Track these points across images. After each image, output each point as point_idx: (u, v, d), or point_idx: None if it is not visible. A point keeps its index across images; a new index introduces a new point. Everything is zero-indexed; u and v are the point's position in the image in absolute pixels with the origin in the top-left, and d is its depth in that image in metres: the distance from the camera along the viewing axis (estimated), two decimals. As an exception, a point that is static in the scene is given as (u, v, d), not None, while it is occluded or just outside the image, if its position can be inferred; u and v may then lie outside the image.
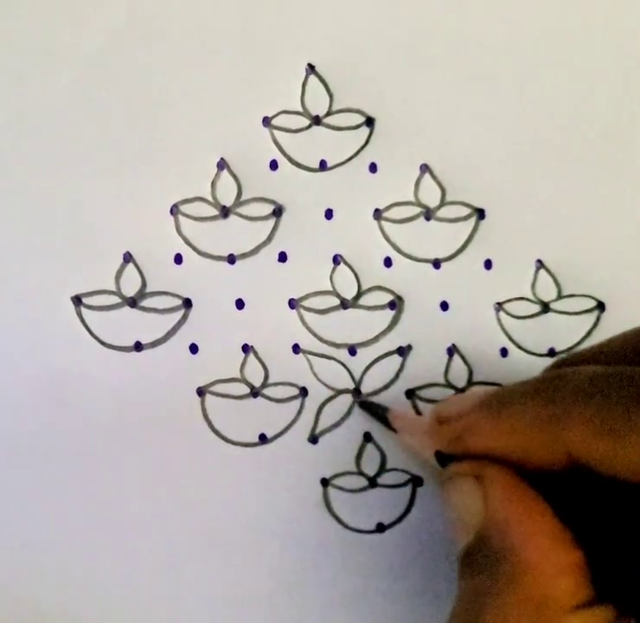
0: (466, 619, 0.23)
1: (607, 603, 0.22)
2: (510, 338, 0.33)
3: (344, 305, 0.33)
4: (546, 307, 0.33)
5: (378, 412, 0.32)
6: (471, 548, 0.23)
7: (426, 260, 0.33)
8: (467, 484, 0.24)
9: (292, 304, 0.33)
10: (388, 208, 0.33)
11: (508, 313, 0.33)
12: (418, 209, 0.33)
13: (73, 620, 0.32)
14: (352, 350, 0.33)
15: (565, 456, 0.22)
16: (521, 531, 0.22)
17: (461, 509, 0.24)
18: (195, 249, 0.32)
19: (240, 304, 0.33)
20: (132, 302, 0.32)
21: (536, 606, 0.21)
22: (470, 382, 0.33)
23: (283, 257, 0.33)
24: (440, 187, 0.33)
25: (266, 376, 0.33)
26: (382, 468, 0.33)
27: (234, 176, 0.32)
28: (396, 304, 0.33)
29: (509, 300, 0.33)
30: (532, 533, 0.22)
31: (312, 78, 0.32)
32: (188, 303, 0.32)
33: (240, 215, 0.32)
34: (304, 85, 0.32)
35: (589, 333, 0.34)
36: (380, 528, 0.33)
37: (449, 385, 0.33)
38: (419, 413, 0.33)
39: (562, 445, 0.22)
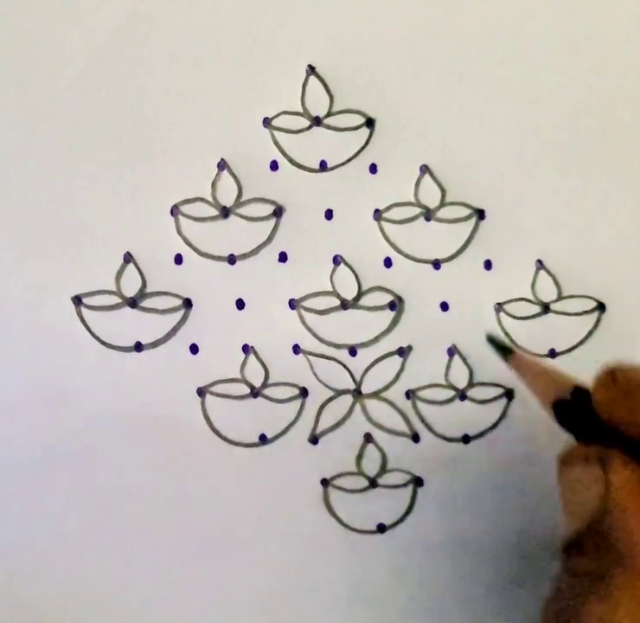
0: (567, 605, 0.23)
1: None
2: (511, 339, 0.33)
3: (344, 305, 0.33)
4: (546, 308, 0.33)
5: (501, 350, 0.31)
6: (582, 533, 0.23)
7: (426, 261, 0.33)
8: (591, 469, 0.24)
9: (292, 304, 0.33)
10: (388, 208, 0.33)
11: (508, 314, 0.33)
12: (418, 210, 0.33)
13: (73, 620, 0.32)
14: (352, 351, 0.33)
15: None
16: None
17: (578, 493, 0.24)
18: (195, 249, 0.32)
19: (240, 304, 0.33)
20: (133, 302, 0.32)
21: None
22: (471, 383, 0.33)
23: (283, 257, 0.33)
24: (440, 188, 0.33)
25: (267, 377, 0.33)
26: (383, 469, 0.33)
27: (235, 177, 0.32)
28: (396, 304, 0.33)
29: (510, 301, 0.33)
30: None
31: (313, 79, 0.32)
32: (188, 303, 0.32)
33: (241, 216, 0.33)
34: (304, 86, 0.32)
35: (589, 334, 0.34)
36: (381, 528, 0.33)
37: (449, 385, 0.33)
38: (422, 417, 0.33)
39: None
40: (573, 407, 0.26)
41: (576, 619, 0.22)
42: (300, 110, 0.33)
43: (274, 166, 0.33)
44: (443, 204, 0.33)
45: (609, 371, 0.25)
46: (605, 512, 0.23)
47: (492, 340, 0.31)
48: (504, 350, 0.31)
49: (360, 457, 0.33)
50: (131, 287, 0.32)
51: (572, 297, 0.34)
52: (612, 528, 0.22)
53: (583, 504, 0.24)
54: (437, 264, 0.33)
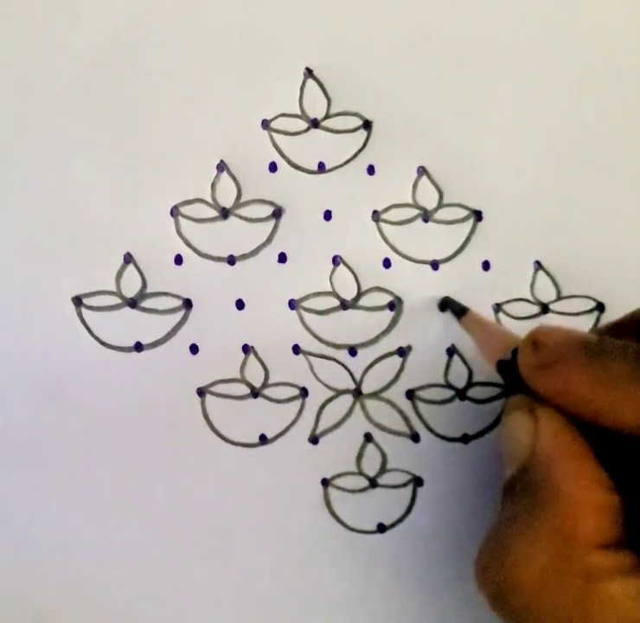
0: (497, 540, 0.24)
1: (631, 550, 0.22)
2: (510, 339, 0.33)
3: (344, 305, 0.33)
4: (545, 308, 0.34)
5: (455, 311, 0.32)
6: (515, 477, 0.24)
7: (425, 262, 0.33)
8: (522, 415, 0.25)
9: (292, 304, 0.33)
10: (386, 209, 0.33)
11: (507, 314, 0.33)
12: (415, 211, 0.33)
13: (73, 620, 0.32)
14: (352, 351, 0.33)
15: None
16: (565, 466, 0.23)
17: (513, 438, 0.25)
18: (195, 250, 0.33)
19: (240, 304, 0.33)
20: (133, 303, 0.32)
21: (565, 537, 0.22)
22: (470, 383, 0.33)
23: (282, 258, 0.33)
24: (437, 189, 0.33)
25: (267, 377, 0.33)
26: (383, 469, 0.33)
27: (234, 178, 0.33)
28: (395, 304, 0.33)
29: (508, 301, 0.33)
30: (574, 469, 0.23)
31: (310, 81, 0.33)
32: (188, 303, 0.33)
33: (240, 217, 0.33)
34: (302, 88, 0.33)
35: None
36: (381, 528, 0.33)
37: (449, 385, 0.33)
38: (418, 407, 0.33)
39: None
40: (513, 367, 0.27)
41: (501, 555, 0.23)
42: (298, 112, 0.33)
43: (273, 168, 0.33)
44: (440, 205, 0.33)
45: (531, 335, 0.26)
46: (534, 457, 0.24)
47: (447, 301, 0.33)
48: (459, 309, 0.32)
49: (360, 457, 0.33)
50: (131, 288, 0.32)
51: (571, 297, 0.34)
52: (538, 473, 0.23)
53: (516, 448, 0.25)
54: (435, 265, 0.33)
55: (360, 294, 0.33)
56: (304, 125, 0.33)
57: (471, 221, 0.33)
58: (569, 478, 0.23)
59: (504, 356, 0.28)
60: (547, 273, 0.33)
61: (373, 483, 0.33)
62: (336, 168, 0.33)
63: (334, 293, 0.33)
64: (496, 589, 0.23)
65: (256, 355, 0.33)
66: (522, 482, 0.24)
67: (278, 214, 0.33)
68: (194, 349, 0.32)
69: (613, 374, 0.23)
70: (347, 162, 0.33)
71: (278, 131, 0.33)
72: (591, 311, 0.34)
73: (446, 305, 0.33)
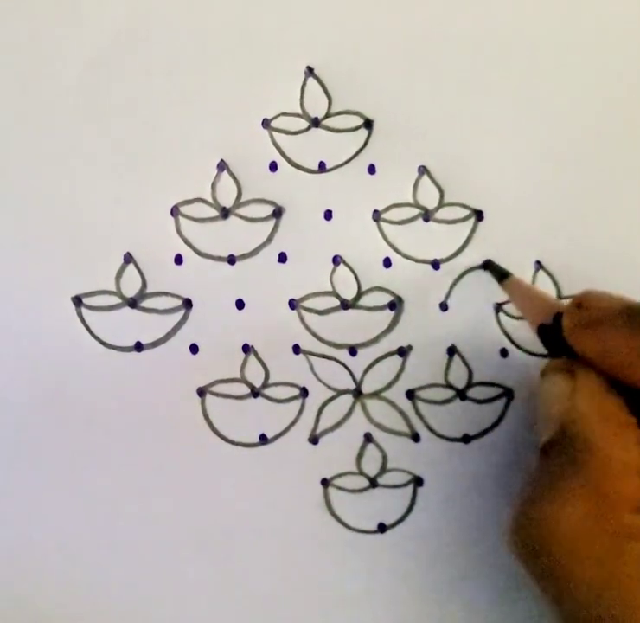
0: (533, 497, 0.24)
1: None
2: (510, 339, 0.33)
3: (344, 305, 0.33)
4: (545, 308, 0.34)
5: (497, 275, 0.32)
6: (554, 437, 0.25)
7: (425, 261, 0.33)
8: (560, 377, 0.25)
9: (292, 304, 0.33)
10: (387, 209, 0.33)
11: (507, 314, 0.33)
12: (416, 211, 0.33)
13: (73, 620, 0.32)
14: (352, 351, 0.33)
15: None
16: (604, 427, 0.24)
17: (550, 400, 0.25)
18: (195, 250, 0.33)
19: (240, 304, 0.33)
20: (133, 302, 0.32)
21: (601, 497, 0.23)
22: (471, 383, 0.33)
23: (283, 258, 0.33)
24: (438, 188, 0.33)
25: (267, 376, 0.33)
26: (383, 468, 0.33)
27: (234, 178, 0.33)
28: (396, 304, 0.33)
29: (509, 301, 0.33)
30: (613, 431, 0.23)
31: (311, 80, 0.33)
32: (188, 303, 0.32)
33: (240, 216, 0.33)
34: (303, 87, 0.33)
35: (589, 333, 0.34)
36: (381, 528, 0.33)
37: (449, 385, 0.33)
38: (418, 412, 0.33)
39: None
40: (555, 332, 0.27)
41: (536, 511, 0.24)
42: (299, 111, 0.33)
43: (273, 167, 0.33)
44: (441, 205, 0.33)
45: (576, 297, 0.27)
46: (570, 418, 0.24)
47: (489, 264, 0.33)
48: (501, 273, 0.32)
49: (360, 457, 0.33)
50: (131, 287, 0.32)
51: (571, 297, 0.33)
52: (575, 433, 0.24)
53: (554, 410, 0.25)
54: (436, 264, 0.33)
55: (360, 294, 0.33)
56: (304, 124, 0.33)
57: (472, 220, 0.33)
58: (607, 438, 0.23)
59: (546, 320, 0.28)
60: (548, 273, 0.33)
61: (373, 483, 0.33)
62: (336, 167, 0.33)
63: (334, 293, 0.33)
64: (529, 545, 0.24)
65: (256, 355, 0.33)
66: (560, 441, 0.24)
67: (278, 213, 0.33)
68: (194, 349, 0.32)
69: None
70: (347, 161, 0.33)
71: (278, 131, 0.33)
72: (591, 310, 0.34)
73: (488, 267, 0.33)
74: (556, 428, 0.25)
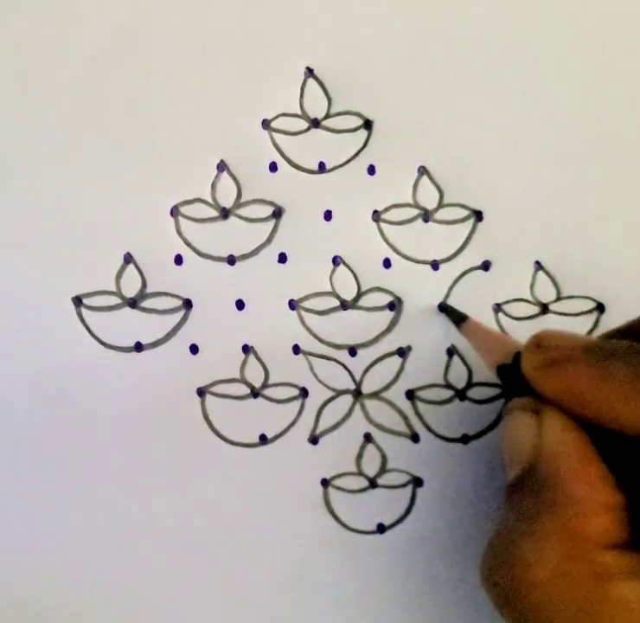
0: (503, 541, 0.24)
1: (638, 551, 0.22)
2: (510, 339, 0.33)
3: (344, 305, 0.33)
4: (545, 308, 0.34)
5: (454, 318, 0.33)
6: (520, 477, 0.24)
7: (425, 262, 0.33)
8: (526, 416, 0.25)
9: (292, 304, 0.33)
10: (387, 209, 0.33)
11: (507, 314, 0.33)
12: (416, 211, 0.33)
13: (73, 620, 0.32)
14: (352, 351, 0.33)
15: None
16: (571, 465, 0.23)
17: (516, 439, 0.25)
18: (195, 250, 0.33)
19: (240, 304, 0.33)
20: (133, 303, 0.32)
21: (573, 537, 0.22)
22: (470, 383, 0.33)
23: (283, 258, 0.33)
24: (438, 189, 0.33)
25: (267, 377, 0.33)
26: (382, 469, 0.33)
27: (234, 178, 0.33)
28: (395, 304, 0.33)
29: (508, 301, 0.33)
30: (581, 469, 0.23)
31: (311, 81, 0.33)
32: (188, 303, 0.33)
33: (240, 217, 0.33)
34: (302, 88, 0.33)
35: (588, 334, 0.34)
36: (381, 528, 0.33)
37: (449, 385, 0.33)
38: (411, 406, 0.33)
39: None
40: (515, 372, 0.27)
41: (508, 556, 0.23)
42: (299, 112, 0.33)
43: (273, 167, 0.33)
44: (441, 205, 0.33)
45: (535, 338, 0.26)
46: (539, 457, 0.24)
47: (444, 308, 0.33)
48: (458, 316, 0.32)
49: (360, 457, 0.33)
50: (131, 287, 0.32)
51: (571, 297, 0.34)
52: (544, 473, 0.23)
53: (520, 449, 0.25)
54: (435, 265, 0.33)
55: (360, 294, 0.33)
56: (304, 124, 0.33)
57: (472, 221, 0.33)
58: (576, 477, 0.23)
59: (505, 360, 0.28)
60: (547, 273, 0.33)
61: (372, 483, 0.33)
62: (336, 168, 0.33)
63: (334, 293, 0.33)
64: (503, 591, 0.23)
65: (256, 355, 0.33)
66: (527, 483, 0.24)
67: (278, 214, 0.33)
68: (194, 349, 0.32)
69: (616, 374, 0.23)
70: (347, 162, 0.33)
71: (278, 131, 0.33)
72: (591, 311, 0.34)
73: (445, 310, 0.33)
74: (523, 468, 0.24)
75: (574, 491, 0.23)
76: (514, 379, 0.27)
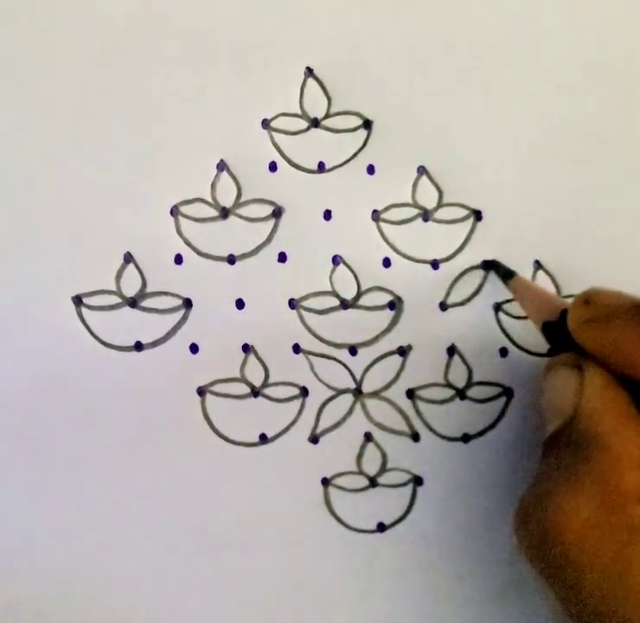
0: (539, 491, 0.24)
1: None
2: (510, 338, 0.33)
3: (344, 305, 0.33)
4: (545, 308, 0.34)
5: (502, 275, 0.33)
6: (559, 430, 0.25)
7: (425, 261, 0.33)
8: (568, 371, 0.25)
9: (292, 304, 0.33)
10: (386, 209, 0.33)
11: (507, 313, 0.33)
12: (415, 211, 0.33)
13: (73, 620, 0.32)
14: (352, 350, 0.33)
15: None
16: (611, 421, 0.24)
17: (557, 393, 0.25)
18: (195, 250, 0.33)
19: (240, 304, 0.33)
20: (133, 302, 0.32)
21: (609, 489, 0.23)
22: (470, 382, 0.33)
23: (282, 257, 0.33)
24: (437, 188, 0.33)
25: (267, 376, 0.33)
26: (383, 468, 0.33)
27: (234, 178, 0.33)
28: (395, 304, 0.33)
29: (509, 301, 0.33)
30: (619, 424, 0.23)
31: (311, 81, 0.33)
32: (188, 303, 0.33)
33: (240, 216, 0.33)
34: (302, 88, 0.33)
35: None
36: (381, 528, 0.33)
37: (449, 385, 0.33)
38: (418, 411, 0.33)
39: None
40: (560, 328, 0.27)
41: (544, 505, 0.23)
42: (298, 112, 0.33)
43: (273, 167, 0.33)
44: (440, 205, 0.33)
45: (583, 294, 0.27)
46: (579, 412, 0.24)
47: (493, 264, 0.33)
48: (506, 272, 0.32)
49: (360, 456, 0.33)
50: (131, 287, 0.32)
51: (571, 297, 0.34)
52: (583, 427, 0.24)
53: (561, 403, 0.25)
54: (435, 264, 0.33)
55: (360, 294, 0.33)
56: (304, 124, 0.33)
57: (471, 220, 0.33)
58: (614, 431, 0.23)
59: (551, 317, 0.28)
60: (547, 273, 0.33)
61: (373, 482, 0.33)
62: (335, 167, 0.33)
63: (334, 293, 0.33)
64: (536, 538, 0.24)
65: (256, 354, 0.33)
66: (566, 435, 0.24)
67: (277, 213, 0.33)
68: (194, 348, 0.32)
69: None
70: (347, 161, 0.33)
71: (278, 131, 0.33)
72: (590, 310, 0.34)
73: (492, 266, 0.33)
74: (563, 421, 0.25)
75: (612, 445, 0.23)
76: (559, 337, 0.27)
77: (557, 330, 0.27)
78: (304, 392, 0.33)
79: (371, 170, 0.33)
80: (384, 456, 0.33)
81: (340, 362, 0.33)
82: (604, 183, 0.34)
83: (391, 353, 0.33)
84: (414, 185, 0.33)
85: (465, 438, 0.33)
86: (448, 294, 0.33)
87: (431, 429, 0.33)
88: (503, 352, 0.33)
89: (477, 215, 0.33)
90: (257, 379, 0.33)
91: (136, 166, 0.32)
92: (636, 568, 0.22)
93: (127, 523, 0.32)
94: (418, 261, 0.33)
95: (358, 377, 0.33)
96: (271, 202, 0.33)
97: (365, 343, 0.33)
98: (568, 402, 0.25)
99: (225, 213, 0.33)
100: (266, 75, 0.32)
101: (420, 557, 0.33)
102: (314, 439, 0.33)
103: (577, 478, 0.23)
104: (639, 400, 0.24)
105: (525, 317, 0.33)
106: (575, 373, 0.25)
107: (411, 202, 0.33)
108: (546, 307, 0.29)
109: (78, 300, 0.32)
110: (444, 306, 0.33)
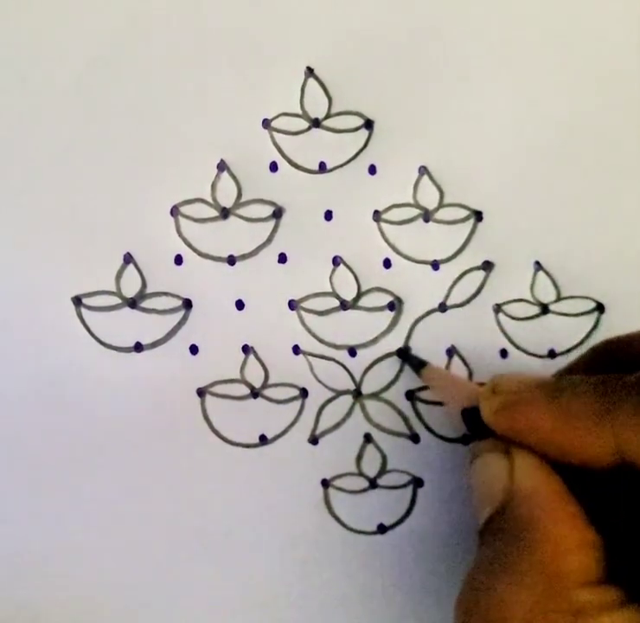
0: (479, 582, 0.24)
1: (616, 586, 0.22)
2: (510, 340, 0.33)
3: (344, 306, 0.33)
4: (545, 309, 0.34)
5: (414, 364, 0.33)
6: (493, 517, 0.24)
7: (425, 262, 0.33)
8: (496, 457, 0.25)
9: (292, 305, 0.33)
10: (387, 209, 0.33)
11: (507, 315, 0.33)
12: (416, 211, 0.33)
13: (73, 620, 0.32)
14: (352, 351, 0.33)
15: (611, 450, 0.23)
16: (545, 504, 0.23)
17: (488, 480, 0.25)
18: (195, 250, 0.32)
19: (240, 305, 0.33)
20: (132, 303, 0.32)
21: (550, 575, 0.22)
22: (470, 383, 0.33)
23: (283, 258, 0.33)
24: (438, 189, 0.33)
25: (266, 377, 0.33)
26: (383, 469, 0.33)
27: (234, 178, 0.33)
28: (395, 305, 0.33)
29: (508, 302, 0.33)
30: (555, 507, 0.23)
31: (311, 81, 0.33)
32: (188, 303, 0.32)
33: (240, 217, 0.33)
34: (303, 87, 0.33)
35: (589, 335, 0.34)
36: (381, 529, 0.33)
37: (449, 386, 0.33)
38: (418, 414, 0.33)
39: (613, 438, 0.23)
40: (479, 415, 0.27)
41: (484, 596, 0.23)
42: (299, 111, 0.33)
43: (274, 167, 0.33)
44: (441, 205, 0.33)
45: (490, 383, 0.27)
46: (511, 496, 0.24)
47: (404, 353, 0.33)
48: (418, 362, 0.33)
49: (360, 457, 0.33)
50: (131, 287, 0.32)
51: (571, 297, 0.34)
52: (518, 513, 0.23)
53: (491, 490, 0.25)
54: (435, 265, 0.33)
55: (360, 294, 0.33)
56: (304, 124, 0.33)
57: (472, 221, 0.33)
58: (550, 515, 0.23)
59: (469, 404, 0.28)
60: (547, 274, 0.33)
61: (373, 483, 0.33)
62: (336, 168, 0.33)
63: (334, 294, 0.33)
64: None
65: (256, 355, 0.33)
66: (501, 523, 0.24)
67: (278, 214, 0.33)
68: (194, 349, 0.32)
69: (572, 410, 0.24)
70: (348, 161, 0.33)
71: (278, 131, 0.33)
72: (591, 311, 0.34)
73: (404, 357, 0.33)
74: (495, 509, 0.24)
75: (551, 529, 0.23)
76: (479, 422, 0.27)
77: (476, 417, 0.27)
78: (304, 393, 0.33)
79: (372, 170, 0.33)
80: (384, 457, 0.33)
81: (339, 363, 0.33)
82: (604, 183, 0.34)
83: (390, 354, 0.33)
84: (415, 185, 0.33)
85: (465, 439, 0.33)
86: (448, 295, 0.33)
87: (430, 430, 0.33)
88: (503, 353, 0.33)
89: (478, 216, 0.33)
90: (257, 380, 0.33)
91: (136, 166, 0.32)
92: None
93: (127, 523, 0.32)
94: (418, 262, 0.33)
95: (358, 378, 0.33)
96: (271, 203, 0.33)
97: (365, 344, 0.33)
98: (499, 488, 0.24)
99: (225, 213, 0.33)
100: (267, 75, 0.32)
101: (420, 558, 0.33)
102: (314, 441, 0.33)
103: (516, 567, 0.23)
104: (566, 480, 0.24)
105: (525, 319, 0.33)
106: (502, 457, 0.25)
107: (412, 202, 0.33)
108: (464, 394, 0.29)
109: (78, 301, 0.32)
110: (444, 307, 0.33)
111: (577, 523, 0.23)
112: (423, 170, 0.33)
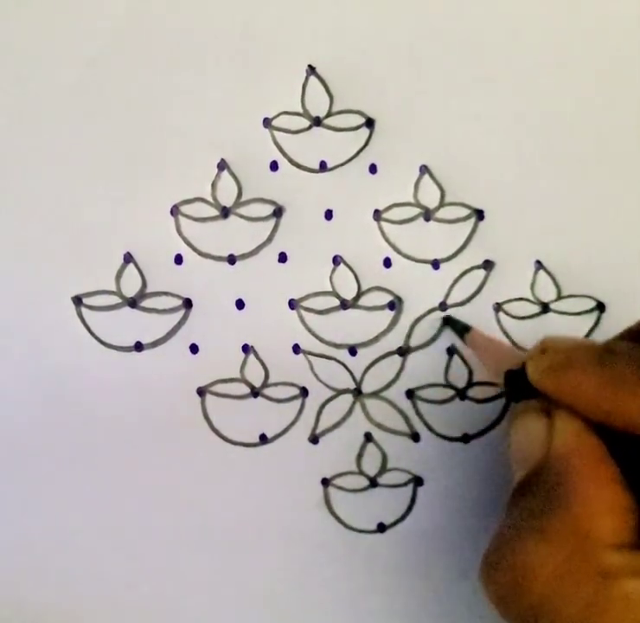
0: (508, 539, 0.23)
1: None
2: (511, 339, 0.33)
3: (344, 305, 0.33)
4: (545, 308, 0.34)
5: (458, 329, 0.33)
6: (529, 476, 0.24)
7: (426, 261, 0.33)
8: (536, 416, 0.25)
9: (292, 304, 0.33)
10: (388, 208, 0.33)
11: (507, 314, 0.33)
12: (417, 210, 0.33)
13: (73, 620, 0.32)
14: (352, 350, 0.33)
15: None
16: (582, 465, 0.23)
17: (527, 440, 0.25)
18: (195, 249, 0.32)
19: (240, 304, 0.33)
20: (133, 302, 0.32)
21: (580, 536, 0.22)
22: (470, 382, 0.33)
23: (283, 257, 0.33)
24: (439, 188, 0.33)
25: (267, 376, 0.33)
26: (383, 468, 0.33)
27: (235, 177, 0.32)
28: (395, 304, 0.33)
29: (509, 301, 0.33)
30: (591, 469, 0.23)
31: (312, 79, 0.32)
32: (188, 303, 0.32)
33: (241, 216, 0.33)
34: (304, 86, 0.33)
35: (589, 333, 0.34)
36: (381, 528, 0.33)
37: (449, 385, 0.33)
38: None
39: None
40: (523, 378, 0.27)
41: (512, 554, 0.23)
42: (300, 110, 0.33)
43: (274, 166, 0.33)
44: (442, 204, 0.33)
45: (540, 343, 0.26)
46: (550, 457, 0.24)
47: (449, 319, 0.33)
48: (462, 327, 0.32)
49: (360, 456, 0.33)
50: (131, 287, 0.32)
51: (571, 296, 0.34)
52: (554, 474, 0.23)
53: (529, 450, 0.25)
54: (436, 264, 0.33)
55: (360, 294, 0.33)
56: (305, 123, 0.33)
57: (473, 220, 0.33)
58: (586, 477, 0.23)
59: (512, 367, 0.28)
60: (548, 273, 0.33)
61: (373, 482, 0.33)
62: (337, 166, 0.33)
63: (334, 293, 0.33)
64: (505, 588, 0.23)
65: (256, 355, 0.33)
66: (536, 482, 0.24)
67: (278, 213, 0.33)
68: (194, 349, 0.32)
69: (621, 376, 0.24)
70: (348, 160, 0.33)
71: (279, 130, 0.33)
72: (591, 310, 0.34)
73: (448, 322, 0.33)
74: (533, 468, 0.24)
75: (585, 490, 0.23)
76: (522, 386, 0.27)
77: (519, 379, 0.27)
78: (304, 392, 0.33)
79: (373, 169, 0.33)
80: (384, 456, 0.33)
81: (340, 362, 0.33)
82: (604, 183, 0.33)
83: (391, 353, 0.33)
84: (416, 184, 0.33)
85: (465, 438, 0.33)
86: (448, 294, 0.33)
87: (431, 429, 0.33)
88: (504, 353, 0.33)
89: (479, 215, 0.33)
90: (257, 379, 0.33)
91: (136, 166, 0.32)
92: (608, 617, 0.21)
93: (127, 522, 0.32)
94: (419, 261, 0.33)
95: (358, 377, 0.33)
96: (271, 202, 0.33)
97: (365, 344, 0.33)
98: (538, 449, 0.24)
99: (225, 212, 0.33)
100: (268, 74, 0.32)
101: (420, 557, 0.33)
102: (314, 440, 0.33)
103: (547, 525, 0.23)
104: (609, 444, 0.24)
105: (526, 318, 0.33)
106: (544, 419, 0.25)
107: (413, 201, 0.33)
108: (505, 358, 0.29)
109: (78, 300, 0.32)
110: (444, 306, 0.33)
111: (613, 486, 0.23)
112: (424, 169, 0.33)
